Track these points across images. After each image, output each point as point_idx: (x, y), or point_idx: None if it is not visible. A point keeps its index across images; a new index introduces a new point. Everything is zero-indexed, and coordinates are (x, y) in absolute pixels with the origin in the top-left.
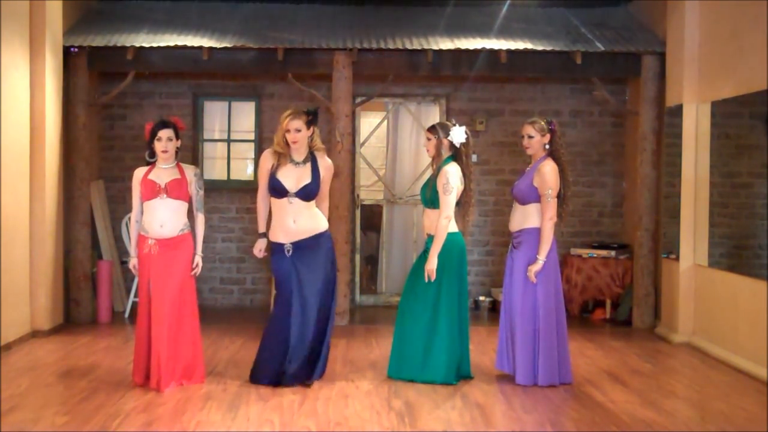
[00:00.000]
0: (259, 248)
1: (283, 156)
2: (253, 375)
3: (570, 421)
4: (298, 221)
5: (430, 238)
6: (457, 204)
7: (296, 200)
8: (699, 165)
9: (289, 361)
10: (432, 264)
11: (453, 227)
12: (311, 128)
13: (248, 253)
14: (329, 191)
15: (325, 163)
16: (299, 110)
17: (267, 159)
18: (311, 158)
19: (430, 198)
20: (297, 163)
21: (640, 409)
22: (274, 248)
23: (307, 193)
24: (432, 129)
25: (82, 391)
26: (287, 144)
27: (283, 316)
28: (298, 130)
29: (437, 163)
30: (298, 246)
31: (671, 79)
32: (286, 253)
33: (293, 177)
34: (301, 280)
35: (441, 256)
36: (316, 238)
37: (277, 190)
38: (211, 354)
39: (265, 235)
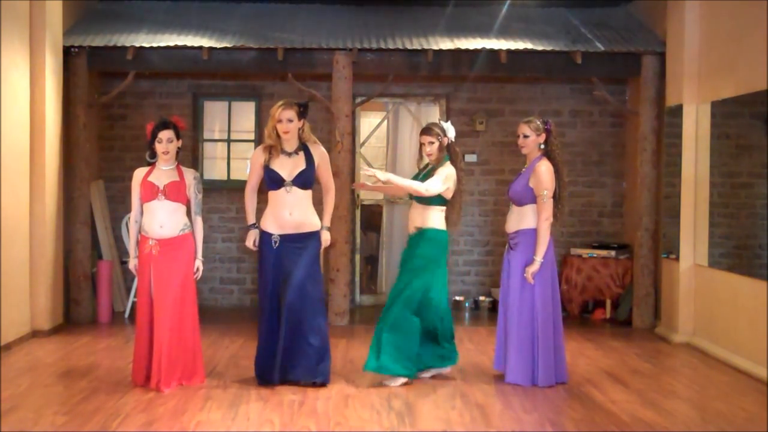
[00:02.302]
0: (252, 239)
1: (275, 148)
2: (256, 372)
3: (570, 421)
4: (294, 213)
5: (417, 232)
6: (449, 203)
7: (294, 189)
8: (699, 165)
9: (286, 355)
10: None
11: (441, 224)
12: (302, 120)
13: (248, 253)
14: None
15: (319, 151)
16: (291, 101)
17: (258, 155)
18: (303, 148)
19: None
20: (289, 154)
21: (640, 409)
22: (263, 237)
23: (304, 180)
24: (430, 132)
25: (82, 391)
26: (278, 136)
27: (269, 309)
28: (290, 120)
29: (436, 163)
30: (286, 239)
31: (671, 79)
32: (273, 244)
33: (288, 166)
34: (284, 272)
35: (423, 249)
36: (306, 237)
37: (274, 180)
38: (211, 354)
39: (255, 225)
